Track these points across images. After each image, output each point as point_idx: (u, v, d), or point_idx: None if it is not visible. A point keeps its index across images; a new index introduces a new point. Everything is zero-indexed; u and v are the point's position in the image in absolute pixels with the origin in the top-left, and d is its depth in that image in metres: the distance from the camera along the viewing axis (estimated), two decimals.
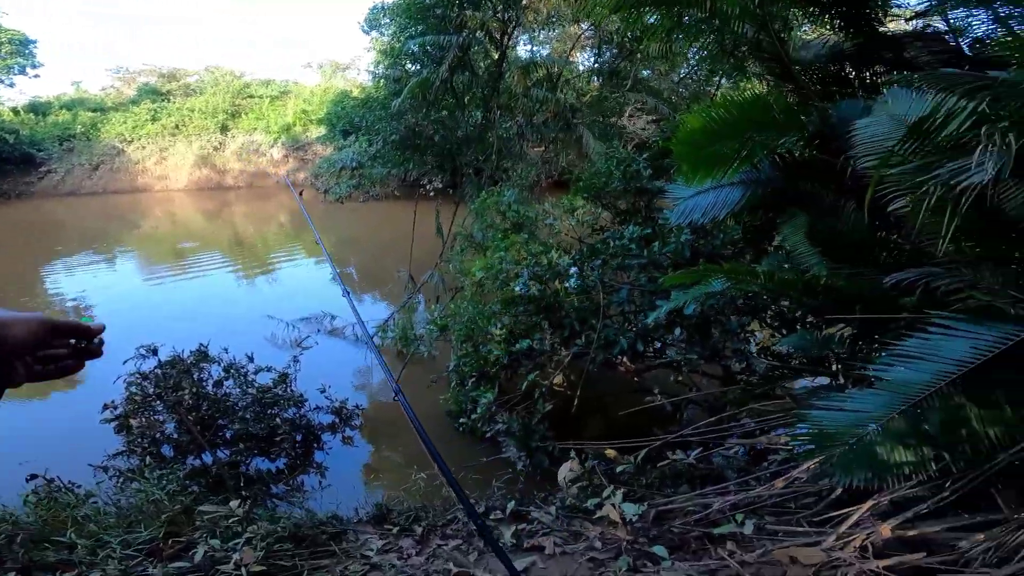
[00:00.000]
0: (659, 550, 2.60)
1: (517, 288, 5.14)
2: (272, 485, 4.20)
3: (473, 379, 5.22)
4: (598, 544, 2.76)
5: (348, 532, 2.92)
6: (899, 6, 4.44)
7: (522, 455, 4.38)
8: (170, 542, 2.63)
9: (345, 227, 15.79)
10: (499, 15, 7.89)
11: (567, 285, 5.30)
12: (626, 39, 8.74)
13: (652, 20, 4.39)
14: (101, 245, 14.74)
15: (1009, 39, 3.28)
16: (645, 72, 11.20)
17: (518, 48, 11.21)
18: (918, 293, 2.67)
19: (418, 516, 3.06)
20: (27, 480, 3.14)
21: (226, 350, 5.19)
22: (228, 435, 4.51)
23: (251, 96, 24.66)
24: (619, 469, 3.60)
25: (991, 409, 2.21)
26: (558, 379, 5.41)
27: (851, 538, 2.42)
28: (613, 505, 2.97)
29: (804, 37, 5.25)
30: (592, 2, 4.62)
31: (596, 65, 10.80)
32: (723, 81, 10.01)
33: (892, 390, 2.33)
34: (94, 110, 24.11)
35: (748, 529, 2.70)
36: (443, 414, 5.31)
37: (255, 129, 23.65)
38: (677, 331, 4.84)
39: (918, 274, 2.68)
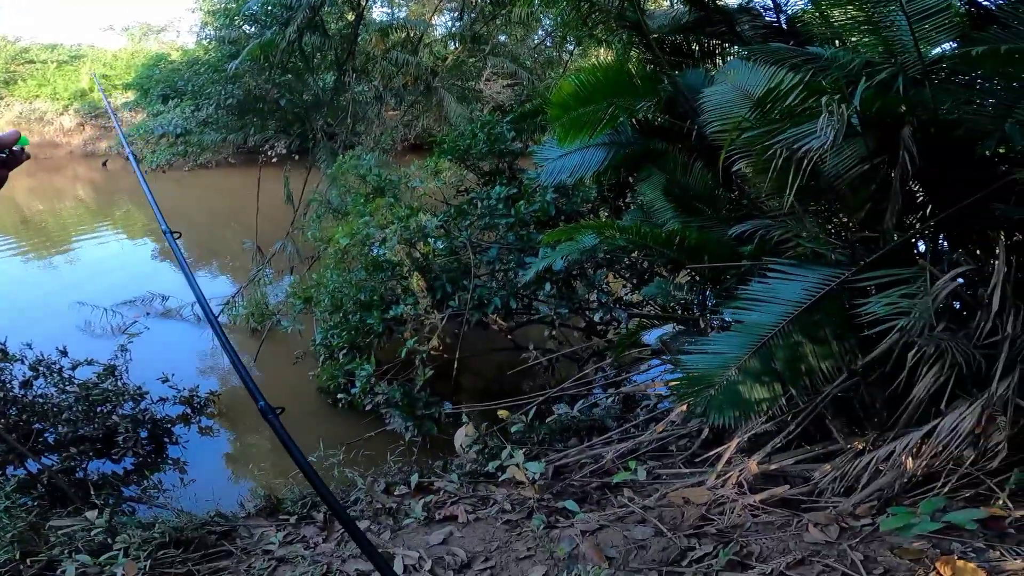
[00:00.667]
0: (570, 504, 2.73)
1: (383, 252, 4.94)
2: (123, 488, 3.64)
3: (344, 351, 4.96)
4: (508, 506, 2.81)
5: (239, 528, 2.64)
6: None
7: (409, 425, 4.29)
8: (28, 562, 2.18)
9: (169, 199, 13.70)
10: None
11: (435, 246, 5.22)
12: (486, 3, 8.57)
13: None
14: None
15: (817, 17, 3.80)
16: (502, 37, 11.18)
17: (373, 10, 10.49)
18: (755, 243, 3.02)
19: (314, 502, 2.86)
20: None
21: (29, 345, 4.33)
22: (51, 439, 3.82)
23: (31, 62, 21.21)
24: (513, 429, 3.69)
25: (821, 344, 2.59)
26: (434, 343, 5.34)
27: (727, 475, 2.75)
28: (517, 465, 3.03)
29: (647, 8, 5.58)
30: None
31: (456, 29, 10.48)
32: (573, 48, 10.42)
33: (746, 332, 2.63)
34: None
35: (641, 475, 2.94)
36: (315, 391, 4.99)
37: (36, 96, 20.36)
38: (547, 287, 5.01)
39: (754, 225, 3.02)
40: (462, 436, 3.49)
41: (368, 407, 4.52)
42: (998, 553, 2.06)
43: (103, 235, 11.31)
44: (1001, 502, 2.26)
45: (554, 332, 5.19)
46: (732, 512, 2.48)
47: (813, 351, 2.60)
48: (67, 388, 4.13)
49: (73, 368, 4.37)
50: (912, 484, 2.45)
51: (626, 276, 5.43)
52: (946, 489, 2.32)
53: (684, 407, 3.34)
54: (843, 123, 2.06)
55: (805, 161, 2.37)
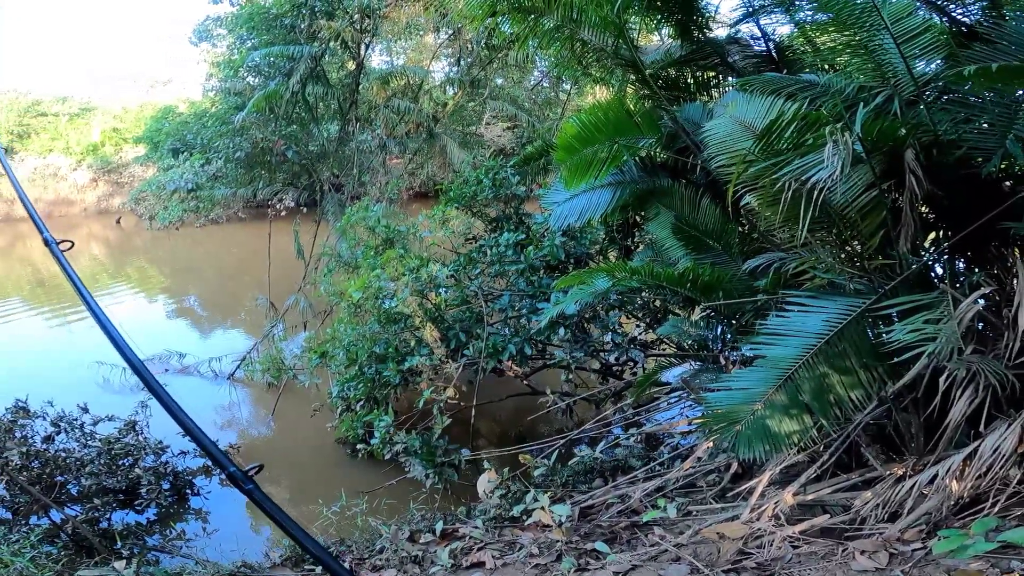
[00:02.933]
0: (600, 546, 2.65)
1: (394, 305, 4.94)
2: (147, 537, 3.59)
3: (362, 403, 4.93)
4: (535, 550, 2.73)
5: None
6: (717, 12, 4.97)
7: (429, 472, 4.21)
8: None
9: (181, 256, 13.97)
10: (355, 24, 7.56)
11: (446, 296, 5.23)
12: (482, 48, 8.85)
13: (509, 29, 4.47)
14: None
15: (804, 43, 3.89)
16: (499, 80, 11.41)
17: (372, 59, 10.82)
18: (770, 276, 3.01)
19: (337, 552, 2.80)
20: None
21: (51, 403, 4.36)
22: (74, 491, 3.80)
23: (43, 114, 20.73)
24: (536, 472, 3.61)
25: (848, 374, 2.54)
26: (451, 392, 5.30)
27: (762, 508, 2.66)
28: (543, 508, 2.96)
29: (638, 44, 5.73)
30: (456, 12, 4.65)
31: (455, 75, 10.76)
32: (570, 88, 10.59)
33: (769, 366, 2.59)
34: None
35: (672, 513, 2.85)
36: (334, 443, 4.93)
37: (50, 151, 20.05)
38: (561, 331, 4.99)
39: (768, 259, 3.03)
40: (485, 482, 3.43)
41: (387, 456, 4.45)
42: None
43: (118, 293, 11.44)
44: None
45: (570, 376, 5.13)
46: (771, 545, 2.40)
47: (840, 381, 2.55)
48: (89, 443, 4.12)
49: (95, 424, 4.39)
50: (960, 507, 2.38)
51: (639, 316, 5.41)
52: (996, 509, 2.25)
53: (709, 443, 3.28)
54: (849, 151, 2.10)
55: (815, 192, 2.41)
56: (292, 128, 8.75)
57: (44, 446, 3.92)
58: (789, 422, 2.55)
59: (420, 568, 2.68)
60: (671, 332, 4.37)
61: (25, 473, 3.56)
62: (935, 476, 2.36)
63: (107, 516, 3.68)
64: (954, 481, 2.31)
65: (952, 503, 2.32)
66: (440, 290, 5.13)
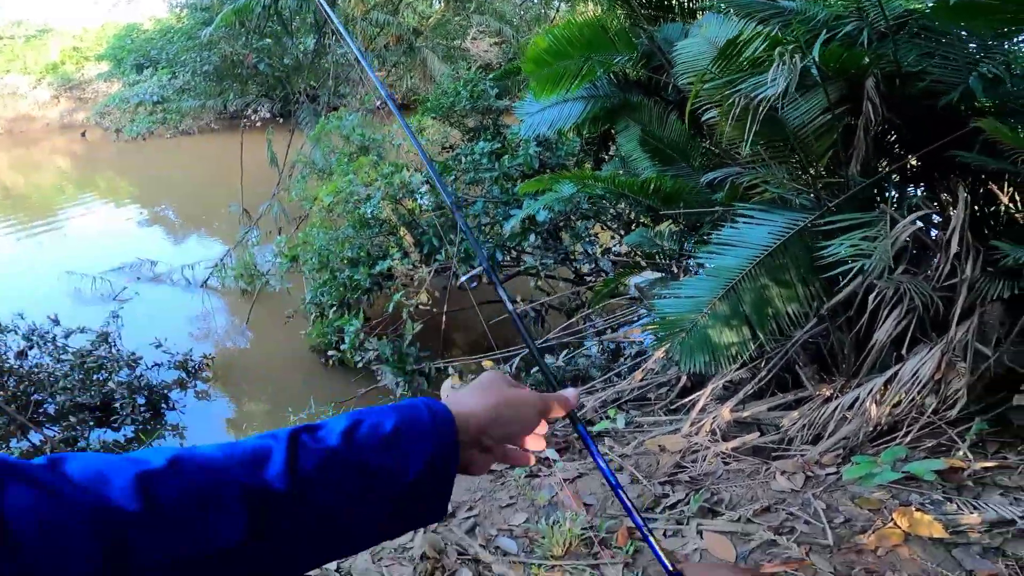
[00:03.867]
0: (551, 453, 2.84)
1: (368, 210, 4.95)
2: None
3: (334, 308, 5.03)
4: None
5: None
6: None
7: (400, 380, 4.39)
8: None
9: (152, 167, 13.48)
10: None
11: (420, 203, 5.23)
12: None
13: None
14: None
15: None
16: None
17: None
18: (727, 190, 3.06)
19: None
20: None
21: (21, 316, 4.36)
22: (51, 410, 3.89)
23: None
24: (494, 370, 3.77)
25: (787, 287, 2.64)
26: (423, 297, 5.42)
27: (701, 423, 2.86)
28: None
29: None
30: None
31: None
32: (561, 4, 10.07)
33: (715, 275, 2.68)
34: None
35: (621, 424, 3.04)
36: (308, 350, 5.07)
37: (7, 72, 20.12)
38: (532, 238, 5.08)
39: (725, 173, 3.04)
40: (448, 388, 3.58)
41: (360, 364, 4.60)
42: (955, 506, 2.13)
43: (89, 203, 11.15)
44: (961, 453, 2.33)
45: (539, 283, 5.25)
46: (704, 460, 2.60)
47: (779, 294, 2.65)
48: (62, 357, 4.17)
49: (67, 336, 4.41)
50: (877, 433, 2.55)
51: (613, 227, 5.46)
52: (908, 439, 2.41)
53: (662, 354, 3.44)
54: (795, 73, 2.06)
55: (762, 109, 2.39)
56: (265, 42, 8.38)
57: (17, 362, 3.97)
58: (729, 333, 2.65)
59: None
60: (637, 242, 4.43)
61: (1, 392, 3.62)
62: (857, 399, 2.51)
63: (85, 435, 3.80)
64: (873, 405, 2.47)
65: (870, 429, 2.49)
66: (418, 196, 5.13)
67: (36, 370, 3.97)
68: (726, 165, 3.23)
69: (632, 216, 5.27)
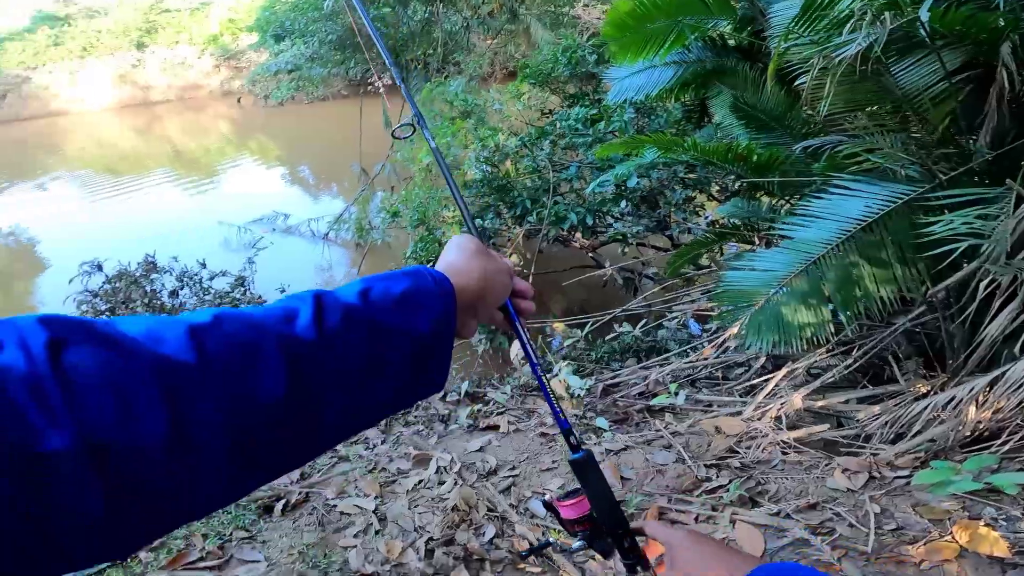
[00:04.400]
0: (601, 422, 2.80)
1: (468, 170, 5.09)
2: None
3: (431, 264, 5.24)
4: (548, 420, 2.93)
5: None
6: None
7: (482, 338, 4.51)
8: None
9: (293, 130, 14.92)
10: None
11: (515, 166, 5.28)
12: None
13: None
14: (27, 172, 13.52)
15: None
16: None
17: None
18: (825, 159, 2.74)
19: None
20: None
21: (176, 259, 5.04)
22: None
23: (167, 11, 23.04)
24: (567, 343, 3.76)
25: (882, 267, 2.34)
26: (514, 258, 5.49)
27: (767, 408, 2.63)
28: (559, 380, 3.12)
29: None
30: None
31: None
32: None
33: (795, 248, 2.44)
34: None
35: (681, 400, 2.90)
36: None
37: (176, 43, 22.35)
38: (623, 204, 4.91)
39: (823, 141, 2.73)
40: (518, 348, 3.61)
41: None
42: None
43: (242, 163, 12.58)
44: None
45: (625, 250, 5.09)
46: (760, 448, 2.41)
47: (871, 274, 2.35)
48: (204, 297, 4.80)
49: (211, 279, 5.03)
50: (971, 439, 2.21)
51: (721, 200, 5.11)
52: (1006, 448, 2.07)
53: (733, 330, 3.20)
54: (884, 31, 1.74)
55: (856, 68, 2.09)
56: (383, 11, 8.77)
57: (170, 300, 4.62)
58: (805, 312, 2.41)
59: (445, 426, 3.02)
60: (730, 212, 4.10)
61: None
62: (953, 399, 2.17)
63: None
64: (972, 407, 2.12)
65: (965, 433, 2.15)
66: (520, 158, 5.20)
67: (183, 308, 4.60)
68: (828, 134, 2.89)
69: (738, 187, 4.90)
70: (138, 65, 22.08)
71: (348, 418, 0.53)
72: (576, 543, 0.80)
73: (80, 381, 0.36)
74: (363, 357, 0.52)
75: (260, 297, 4.98)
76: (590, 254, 5.77)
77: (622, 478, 2.35)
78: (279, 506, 2.33)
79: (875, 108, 2.42)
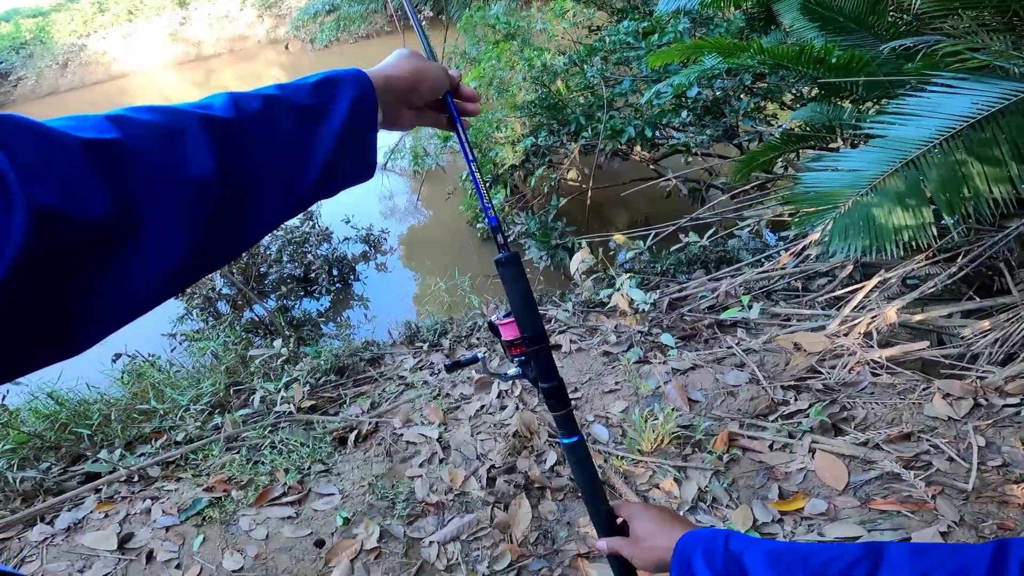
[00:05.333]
0: (666, 339, 2.57)
1: (517, 92, 4.72)
2: (322, 325, 4.27)
3: (488, 185, 5.03)
4: (612, 338, 2.74)
5: (385, 356, 3.01)
6: None
7: (543, 255, 4.31)
8: (231, 391, 2.78)
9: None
10: None
11: (566, 84, 4.86)
12: None
13: None
14: None
15: None
16: None
17: None
18: (919, 59, 2.34)
19: (444, 329, 3.09)
20: (112, 361, 3.16)
21: None
22: (270, 282, 4.56)
23: None
24: (629, 255, 3.48)
25: (995, 165, 1.97)
26: (571, 174, 5.17)
27: (855, 322, 2.28)
28: (621, 293, 2.88)
29: None
30: None
31: None
32: None
33: (888, 147, 2.11)
34: (33, 16, 21.85)
35: (755, 314, 2.60)
36: (465, 225, 5.21)
37: None
38: (684, 114, 4.43)
39: (917, 40, 2.32)
40: (578, 261, 3.36)
41: (510, 239, 4.61)
42: None
43: None
44: None
45: (689, 159, 4.63)
46: (847, 368, 2.11)
47: (982, 172, 1.97)
48: (276, 233, 4.82)
49: None
50: None
51: (794, 108, 4.48)
52: None
53: (815, 236, 2.80)
54: None
55: None
56: None
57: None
58: (902, 214, 2.07)
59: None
60: (807, 116, 3.55)
61: (235, 266, 4.27)
62: None
63: (295, 304, 4.29)
64: None
65: None
66: (570, 76, 4.79)
67: (261, 246, 4.63)
68: (919, 35, 2.36)
69: (814, 94, 4.24)
70: (185, 23, 21.99)
71: (285, 194, 0.53)
72: (512, 370, 0.79)
73: (25, 163, 0.36)
74: (287, 132, 0.52)
75: (326, 228, 4.96)
76: (651, 166, 5.31)
77: (690, 400, 2.15)
78: (351, 437, 2.33)
79: (975, 7, 1.89)
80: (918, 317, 2.26)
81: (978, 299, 2.32)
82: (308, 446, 2.28)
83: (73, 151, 0.38)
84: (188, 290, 4.27)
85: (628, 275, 3.09)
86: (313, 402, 2.59)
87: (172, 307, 4.24)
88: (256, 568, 1.91)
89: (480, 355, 0.92)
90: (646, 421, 1.98)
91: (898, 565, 0.49)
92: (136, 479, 2.30)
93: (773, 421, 1.97)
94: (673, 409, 2.01)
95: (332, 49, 11.88)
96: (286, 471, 2.17)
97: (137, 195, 0.40)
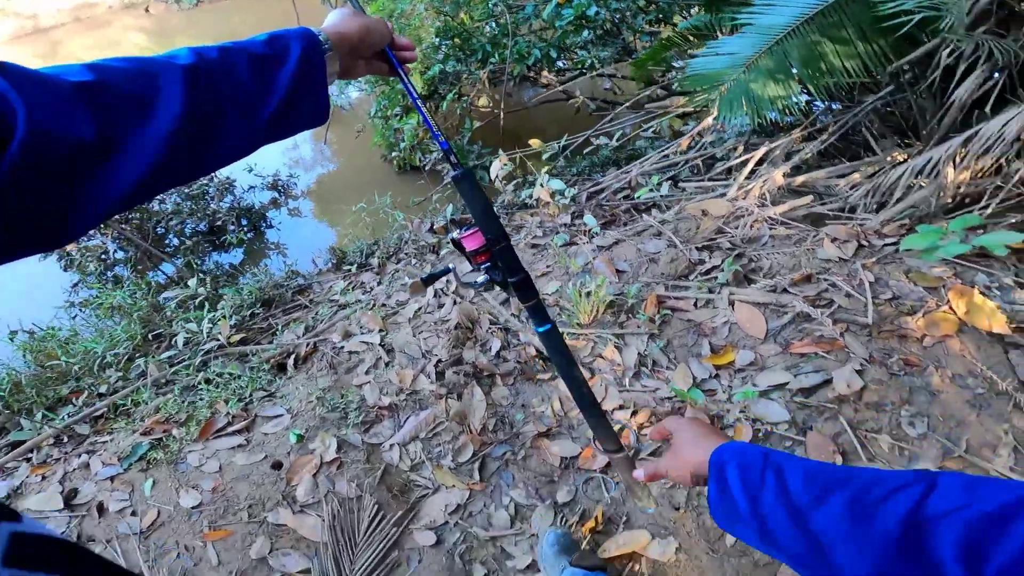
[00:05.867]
0: (589, 220, 2.62)
1: (420, 25, 4.48)
2: (240, 277, 3.94)
3: (399, 117, 4.79)
4: (538, 232, 2.76)
5: (313, 285, 2.88)
6: None
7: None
8: (150, 338, 2.57)
9: (222, 27, 12.70)
10: None
11: (469, 13, 4.65)
12: None
13: None
14: None
15: None
16: None
17: None
18: None
19: (371, 251, 2.99)
20: (10, 338, 2.82)
21: None
22: (174, 242, 4.17)
23: None
24: (545, 156, 3.49)
25: (844, 44, 2.25)
26: (482, 100, 5.04)
27: (750, 187, 2.44)
28: (541, 185, 2.90)
29: None
30: None
31: None
32: None
33: (758, 33, 2.37)
34: None
35: (664, 190, 2.70)
36: (380, 161, 4.98)
37: None
38: (585, 33, 4.41)
39: None
40: (497, 167, 3.34)
41: (427, 167, 4.46)
42: None
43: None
44: None
45: (593, 74, 4.65)
46: (749, 226, 2.25)
47: (835, 51, 2.24)
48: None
49: None
50: (955, 204, 2.05)
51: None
52: (988, 212, 1.92)
53: (709, 120, 2.93)
54: None
55: None
56: None
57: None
58: (775, 87, 2.34)
59: (436, 255, 2.85)
60: (693, 22, 3.63)
61: (126, 226, 3.84)
62: (930, 161, 1.96)
63: (203, 260, 3.89)
64: (950, 169, 1.93)
65: (947, 199, 1.98)
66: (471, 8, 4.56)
67: (155, 204, 4.17)
68: None
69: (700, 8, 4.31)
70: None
71: (245, 127, 0.58)
72: (481, 277, 0.82)
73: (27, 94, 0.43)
74: (245, 73, 0.58)
75: (229, 178, 4.56)
76: (560, 88, 5.27)
77: (617, 271, 2.22)
78: (290, 362, 2.23)
79: None
80: (800, 179, 2.45)
81: (848, 162, 2.54)
82: (246, 376, 2.16)
83: (66, 90, 0.46)
84: (77, 257, 3.84)
85: (546, 169, 3.11)
86: (243, 335, 2.44)
87: (58, 277, 3.81)
88: (216, 501, 1.83)
89: (451, 266, 0.95)
90: (580, 295, 2.03)
91: (952, 494, 0.44)
92: (65, 439, 2.11)
93: (694, 279, 2.08)
94: (604, 280, 2.07)
95: (204, 7, 10.44)
96: (226, 401, 2.06)
97: (115, 126, 0.47)
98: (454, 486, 1.73)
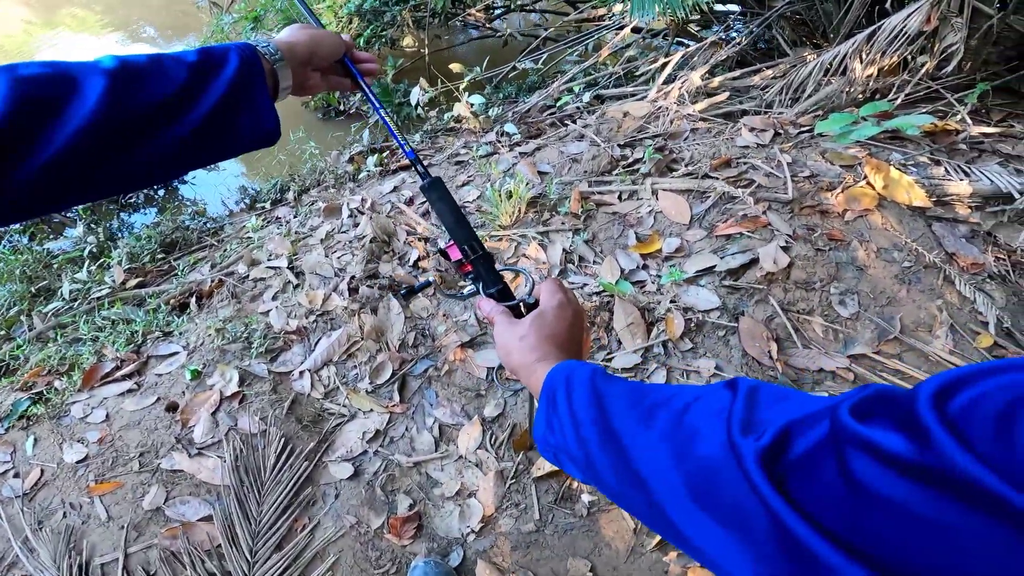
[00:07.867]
0: (509, 127, 2.30)
1: None
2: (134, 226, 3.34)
3: None
4: (462, 150, 2.42)
5: (225, 227, 2.44)
6: None
7: (388, 111, 3.76)
8: (39, 297, 2.10)
9: None
10: None
11: None
12: None
13: None
14: None
15: None
16: None
17: None
18: None
19: (286, 186, 2.58)
20: None
21: None
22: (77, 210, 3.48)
23: None
24: (467, 77, 3.11)
25: None
26: (407, 40, 4.52)
27: (669, 89, 2.17)
28: (463, 102, 2.54)
29: None
30: None
31: None
32: None
33: None
34: None
35: (587, 98, 2.39)
36: (303, 109, 4.40)
37: None
38: None
39: None
40: (418, 93, 2.96)
41: (352, 111, 3.97)
42: (943, 170, 1.56)
43: (63, 40, 9.28)
44: (960, 118, 1.72)
45: (520, 10, 4.20)
46: (669, 122, 1.98)
47: None
48: None
49: None
50: (865, 98, 1.88)
51: None
52: (899, 101, 1.76)
53: (626, 31, 2.61)
54: None
55: None
56: None
57: None
58: None
59: (355, 181, 2.47)
60: None
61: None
62: (838, 55, 1.75)
63: (111, 223, 3.34)
64: (857, 63, 1.72)
65: (857, 93, 1.79)
66: None
67: None
68: None
69: None
70: None
71: (175, 135, 0.49)
72: (468, 288, 0.71)
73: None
74: (178, 77, 0.49)
75: None
76: (488, 26, 4.77)
77: (539, 173, 1.92)
78: (192, 301, 1.84)
79: None
80: (717, 80, 2.22)
81: (762, 64, 2.31)
82: (136, 319, 1.76)
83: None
84: None
85: (463, 86, 2.74)
86: (140, 279, 2.01)
87: None
88: (104, 452, 1.48)
89: (431, 279, 0.84)
90: (501, 197, 1.72)
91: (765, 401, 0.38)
92: None
93: (617, 174, 1.81)
94: (523, 179, 1.76)
95: None
96: (113, 343, 1.67)
97: (27, 121, 0.42)
98: (372, 410, 1.45)
